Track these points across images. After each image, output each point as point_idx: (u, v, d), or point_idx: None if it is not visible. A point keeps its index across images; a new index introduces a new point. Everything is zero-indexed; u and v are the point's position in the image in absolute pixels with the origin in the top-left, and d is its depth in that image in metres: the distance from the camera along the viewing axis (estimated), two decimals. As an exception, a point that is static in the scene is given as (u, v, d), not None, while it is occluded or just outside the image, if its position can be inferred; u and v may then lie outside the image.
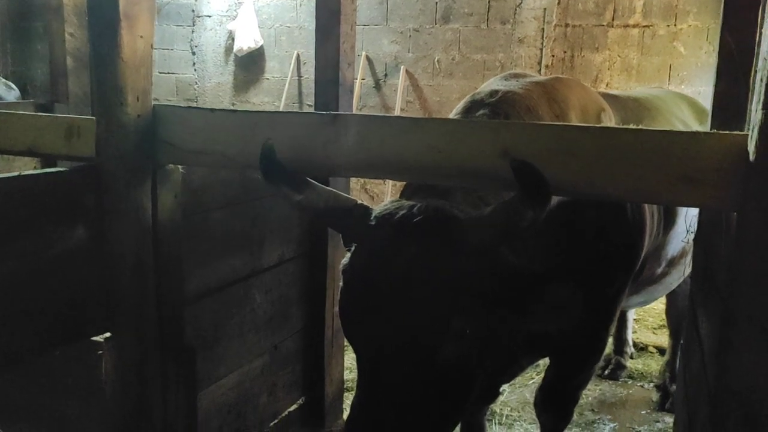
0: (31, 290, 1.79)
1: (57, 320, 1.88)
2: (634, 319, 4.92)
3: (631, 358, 4.45)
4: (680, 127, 3.02)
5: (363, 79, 7.19)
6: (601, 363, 4.34)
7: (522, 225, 1.50)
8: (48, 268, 1.83)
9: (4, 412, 2.56)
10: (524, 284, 1.61)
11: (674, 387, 3.81)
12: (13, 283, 1.74)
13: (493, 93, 2.15)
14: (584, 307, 1.93)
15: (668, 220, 2.76)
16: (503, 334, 1.76)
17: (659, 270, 2.94)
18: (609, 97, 2.87)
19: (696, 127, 3.26)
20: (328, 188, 1.74)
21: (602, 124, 2.34)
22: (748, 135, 1.39)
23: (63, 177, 1.88)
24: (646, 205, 2.41)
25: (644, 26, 6.13)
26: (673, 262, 3.01)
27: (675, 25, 6.05)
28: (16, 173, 1.75)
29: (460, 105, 2.23)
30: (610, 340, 4.58)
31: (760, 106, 1.30)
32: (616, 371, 4.26)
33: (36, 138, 2.24)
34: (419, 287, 1.50)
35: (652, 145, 1.49)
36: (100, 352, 2.03)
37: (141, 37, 1.90)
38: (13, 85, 5.07)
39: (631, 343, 4.46)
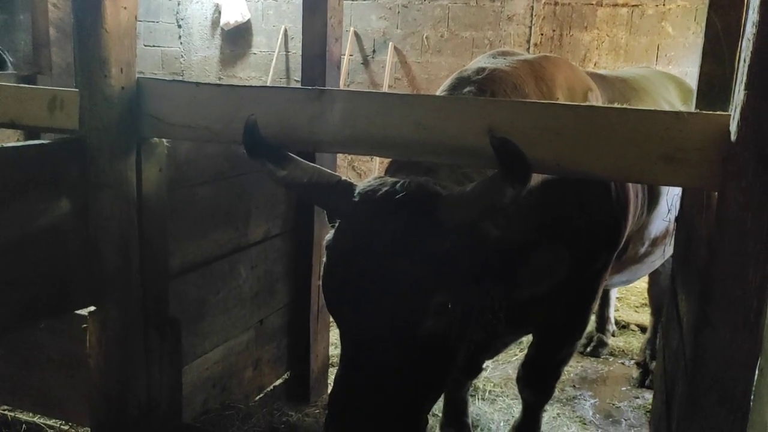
0: (15, 263, 1.78)
1: (41, 293, 1.88)
2: (617, 298, 4.98)
3: (613, 335, 4.50)
4: (666, 108, 3.02)
5: (351, 55, 7.14)
6: (583, 340, 4.39)
7: (503, 202, 1.52)
8: (32, 241, 1.82)
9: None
10: (508, 256, 1.64)
11: (654, 364, 3.87)
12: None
13: (480, 70, 2.15)
14: (568, 281, 1.98)
15: (652, 200, 2.78)
16: (487, 307, 1.77)
17: (642, 249, 2.97)
18: (596, 77, 2.87)
19: (681, 107, 3.27)
20: (312, 164, 1.74)
21: (588, 103, 2.35)
22: (730, 115, 1.40)
23: (46, 149, 1.87)
24: (630, 184, 2.43)
25: (633, 6, 6.12)
26: (656, 242, 3.04)
27: (664, 5, 6.05)
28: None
29: (447, 82, 2.23)
30: (593, 317, 4.64)
31: (742, 87, 1.31)
32: (597, 348, 4.31)
33: (18, 110, 2.21)
34: (401, 263, 1.52)
35: (635, 125, 1.50)
36: (85, 325, 2.03)
37: (125, 8, 1.87)
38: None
39: (613, 321, 4.52)
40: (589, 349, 4.31)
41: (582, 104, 1.60)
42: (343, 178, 1.71)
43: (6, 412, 2.59)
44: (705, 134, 1.44)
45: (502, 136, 1.49)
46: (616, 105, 1.54)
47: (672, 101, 3.25)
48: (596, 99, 2.47)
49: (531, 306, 2.13)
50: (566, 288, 2.14)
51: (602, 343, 4.36)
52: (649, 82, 3.29)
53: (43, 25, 3.72)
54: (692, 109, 2.31)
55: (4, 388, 2.48)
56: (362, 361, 1.56)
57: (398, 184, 1.60)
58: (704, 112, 1.46)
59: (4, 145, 1.77)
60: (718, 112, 1.46)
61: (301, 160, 1.74)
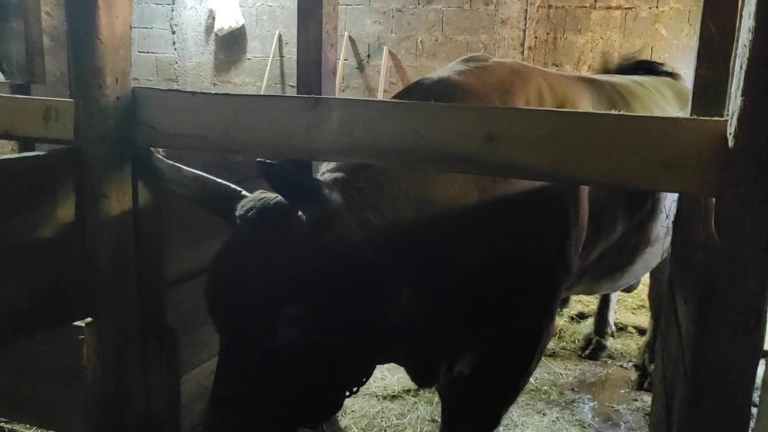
0: (11, 274, 1.77)
1: (38, 305, 1.87)
2: (614, 300, 4.99)
3: (612, 337, 4.49)
4: (659, 114, 3.01)
5: (346, 60, 7.15)
6: (581, 343, 4.40)
7: (302, 228, 1.60)
8: (28, 253, 1.81)
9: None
10: (372, 276, 1.70)
11: (653, 367, 3.87)
12: (-7, 268, 1.72)
13: (438, 81, 2.19)
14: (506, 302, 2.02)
15: (653, 204, 2.76)
16: (369, 321, 1.75)
17: (640, 253, 2.94)
18: (585, 81, 2.82)
19: (677, 113, 3.26)
20: (212, 178, 1.84)
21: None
22: (727, 121, 1.41)
23: (42, 160, 1.86)
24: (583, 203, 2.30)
25: (626, 8, 6.15)
26: (653, 243, 3.01)
27: (657, 7, 6.07)
28: (-7, 157, 1.72)
29: (410, 86, 2.28)
30: (591, 320, 4.65)
31: (739, 93, 1.31)
32: (596, 352, 4.29)
33: (13, 120, 2.20)
34: (250, 276, 1.60)
35: (633, 131, 1.50)
36: (82, 336, 2.02)
37: (119, 17, 1.87)
38: None
39: (612, 324, 4.50)
40: (587, 352, 4.30)
41: (579, 111, 1.60)
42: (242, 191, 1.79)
43: (3, 424, 2.58)
44: (702, 140, 1.44)
45: (267, 163, 1.51)
46: (613, 112, 1.54)
47: (666, 108, 3.20)
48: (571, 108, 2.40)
49: (466, 322, 2.11)
50: (509, 306, 2.14)
51: (601, 346, 4.33)
52: (643, 87, 3.25)
53: (37, 34, 3.70)
54: (688, 113, 2.31)
55: (0, 400, 2.46)
56: (227, 367, 1.67)
57: (260, 200, 1.70)
58: (701, 118, 1.46)
59: (1, 156, 1.76)
60: (715, 118, 1.46)
61: (201, 174, 1.84)
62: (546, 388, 3.84)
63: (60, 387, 2.31)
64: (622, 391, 3.89)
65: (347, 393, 1.92)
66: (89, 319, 2.02)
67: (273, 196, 1.70)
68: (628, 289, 4.37)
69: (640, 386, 3.91)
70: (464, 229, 2.02)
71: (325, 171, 1.99)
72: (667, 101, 3.30)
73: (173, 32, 7.90)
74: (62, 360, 2.18)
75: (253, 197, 1.74)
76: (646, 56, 6.15)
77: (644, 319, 4.74)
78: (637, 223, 2.72)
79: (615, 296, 4.51)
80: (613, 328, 4.52)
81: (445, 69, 2.37)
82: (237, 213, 1.71)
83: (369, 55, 7.17)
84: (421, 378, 2.46)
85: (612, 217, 2.53)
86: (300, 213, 1.62)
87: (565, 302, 4.24)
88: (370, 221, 1.80)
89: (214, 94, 1.91)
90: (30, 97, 2.38)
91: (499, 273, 2.08)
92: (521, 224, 2.12)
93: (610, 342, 4.47)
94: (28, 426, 2.62)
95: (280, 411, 1.68)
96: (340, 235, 1.67)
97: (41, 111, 2.10)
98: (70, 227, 1.93)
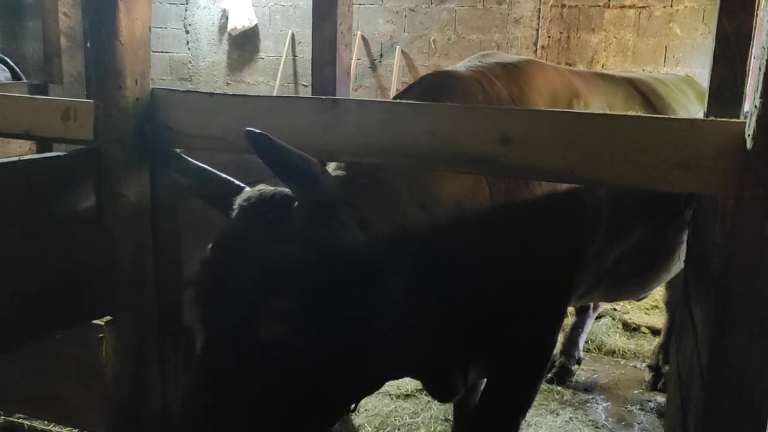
0: (34, 274, 1.80)
1: (59, 304, 1.89)
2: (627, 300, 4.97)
3: (578, 363, 4.04)
4: (682, 114, 2.97)
5: (358, 60, 7.16)
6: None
7: (298, 222, 1.58)
8: (49, 252, 1.83)
9: (4, 396, 2.58)
10: (369, 278, 1.66)
11: (666, 368, 3.85)
12: (15, 268, 1.75)
13: (441, 75, 2.18)
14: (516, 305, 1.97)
15: (668, 209, 2.70)
16: (363, 322, 1.69)
17: (661, 258, 2.89)
18: (599, 78, 2.75)
19: (699, 112, 3.20)
20: (219, 174, 1.83)
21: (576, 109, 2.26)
22: (745, 123, 1.40)
23: (63, 161, 1.88)
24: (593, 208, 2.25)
25: (640, 7, 6.12)
26: (674, 248, 2.93)
27: (671, 6, 6.04)
28: (15, 158, 1.75)
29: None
30: (604, 320, 4.63)
31: (758, 95, 1.31)
32: (561, 375, 3.90)
33: (33, 121, 2.23)
34: (239, 268, 1.57)
35: (650, 133, 1.50)
36: (101, 335, 2.04)
37: (139, 19, 1.89)
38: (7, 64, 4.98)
39: (581, 349, 4.09)
40: (549, 376, 3.84)
41: (596, 112, 1.60)
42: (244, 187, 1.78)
43: (22, 421, 2.62)
44: (720, 142, 1.44)
45: (257, 133, 1.50)
46: (630, 113, 1.54)
47: (688, 107, 3.12)
48: (584, 106, 2.34)
49: (474, 330, 2.05)
50: (517, 311, 2.08)
51: (565, 370, 3.93)
52: (665, 85, 3.18)
53: (54, 34, 3.74)
54: (705, 114, 2.31)
55: (20, 397, 2.50)
56: (207, 365, 1.61)
57: (259, 193, 1.68)
58: (719, 119, 1.46)
59: (23, 157, 1.78)
60: (732, 120, 1.46)
61: (207, 168, 1.82)
62: (559, 388, 3.83)
63: (78, 385, 2.34)
64: (636, 391, 3.88)
65: (347, 406, 1.84)
66: (108, 318, 2.05)
67: (272, 189, 1.69)
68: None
69: (653, 387, 3.89)
70: (474, 229, 1.97)
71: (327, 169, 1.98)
72: (689, 100, 3.23)
73: (187, 32, 7.94)
74: (81, 358, 2.21)
75: (252, 190, 1.72)
76: (660, 55, 6.13)
77: (657, 320, 4.73)
78: (656, 227, 2.69)
79: (590, 320, 4.17)
80: (581, 354, 4.07)
81: (464, 65, 2.36)
82: (235, 204, 1.69)
83: (381, 55, 7.18)
84: (439, 391, 2.37)
85: (630, 220, 2.49)
86: (295, 203, 1.58)
87: (594, 309, 4.18)
88: (372, 220, 1.75)
89: (232, 95, 1.93)
90: (50, 97, 2.41)
91: (510, 275, 2.02)
92: (535, 225, 2.08)
93: (623, 342, 4.44)
94: (46, 423, 2.65)
95: (261, 416, 1.59)
96: (338, 231, 1.63)
97: (61, 111, 2.13)
98: (89, 227, 1.95)
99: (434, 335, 1.96)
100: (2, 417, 2.72)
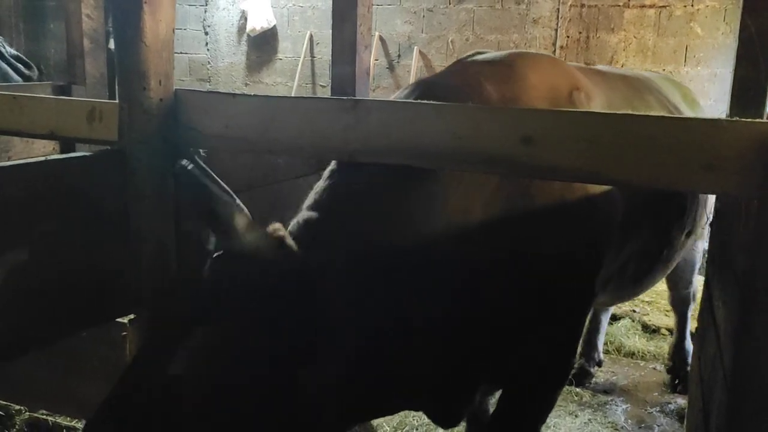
0: (59, 273, 1.83)
1: (83, 303, 1.92)
2: (647, 302, 4.94)
3: (599, 366, 4.06)
4: (673, 112, 2.91)
5: (376, 60, 7.17)
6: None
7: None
8: (75, 252, 1.86)
9: (29, 393, 2.62)
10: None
11: (685, 369, 3.82)
12: (41, 267, 1.78)
13: (426, 86, 2.08)
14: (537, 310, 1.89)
15: (673, 211, 2.65)
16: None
17: (661, 260, 2.83)
18: (594, 73, 2.67)
19: (687, 111, 3.11)
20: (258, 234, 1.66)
21: (581, 108, 2.18)
22: (770, 123, 1.40)
23: (89, 161, 1.91)
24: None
25: (661, 6, 6.07)
26: (675, 250, 2.89)
27: (692, 5, 5.98)
28: (42, 158, 1.78)
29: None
30: (623, 322, 4.60)
31: (783, 95, 1.30)
32: (580, 378, 3.88)
33: (58, 121, 2.27)
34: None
35: (673, 133, 1.49)
36: (125, 333, 2.07)
37: (163, 21, 1.91)
38: (25, 66, 5.04)
39: (601, 350, 4.09)
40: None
41: (618, 113, 1.59)
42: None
43: (47, 417, 2.66)
44: (744, 142, 1.43)
45: (184, 167, 1.51)
46: (653, 113, 1.53)
47: (678, 107, 3.04)
48: (586, 99, 2.26)
49: (485, 343, 1.96)
50: (535, 319, 1.99)
51: (584, 372, 3.91)
52: (652, 82, 3.09)
53: (77, 36, 3.80)
54: (698, 114, 2.28)
55: (45, 394, 2.54)
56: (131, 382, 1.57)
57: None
58: (744, 120, 1.45)
59: (49, 157, 1.81)
60: (757, 120, 1.45)
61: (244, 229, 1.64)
62: (578, 389, 3.82)
63: (102, 382, 2.36)
64: (656, 393, 3.85)
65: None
66: (132, 316, 2.07)
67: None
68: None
69: (673, 389, 3.86)
70: (477, 238, 1.89)
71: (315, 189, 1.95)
72: (677, 99, 3.13)
73: (206, 33, 8.00)
74: (105, 355, 2.24)
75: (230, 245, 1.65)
76: (680, 55, 6.08)
77: (678, 321, 4.69)
78: (660, 229, 2.63)
79: (606, 319, 4.15)
80: (601, 356, 4.08)
81: (452, 67, 2.30)
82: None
83: (399, 55, 7.19)
84: (442, 419, 2.20)
85: (640, 221, 2.41)
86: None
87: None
88: (336, 243, 1.72)
89: (254, 95, 1.94)
90: (75, 98, 2.45)
91: (522, 284, 1.94)
92: (549, 228, 2.00)
93: (643, 344, 4.41)
94: (69, 419, 2.69)
95: None
96: (276, 258, 1.56)
97: (86, 112, 2.16)
98: (114, 226, 1.97)
99: (429, 360, 1.86)
100: (27, 413, 2.77)
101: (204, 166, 1.60)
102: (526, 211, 1.98)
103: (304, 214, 1.87)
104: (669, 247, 2.76)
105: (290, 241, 1.64)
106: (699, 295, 3.05)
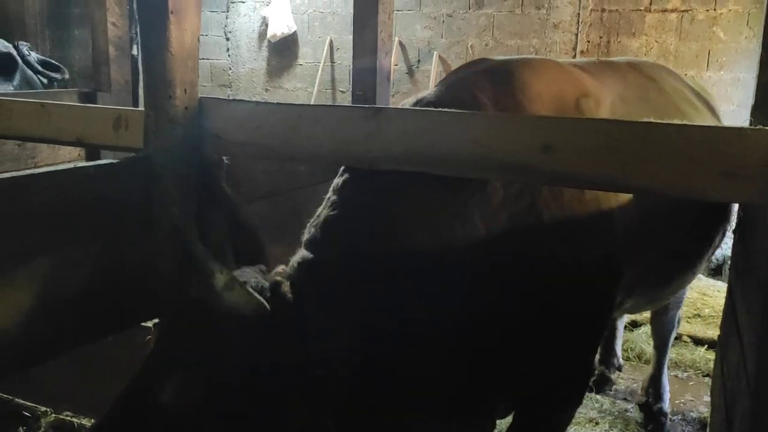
0: (86, 279, 1.86)
1: (110, 307, 1.95)
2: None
3: (619, 370, 4.01)
4: (688, 97, 2.80)
5: (396, 65, 7.19)
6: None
7: None
8: (101, 258, 1.90)
9: (55, 396, 2.67)
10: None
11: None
12: (69, 272, 1.81)
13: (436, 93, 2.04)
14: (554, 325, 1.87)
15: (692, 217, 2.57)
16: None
17: (683, 266, 2.79)
18: (603, 68, 2.56)
19: (697, 102, 2.93)
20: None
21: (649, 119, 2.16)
22: (794, 131, 1.39)
23: (115, 168, 1.94)
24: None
25: (683, 11, 6.02)
26: (697, 257, 2.82)
27: (714, 9, 5.93)
28: (71, 165, 1.82)
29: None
30: (644, 329, 4.55)
31: (808, 104, 1.30)
32: (599, 384, 3.82)
33: (85, 129, 2.31)
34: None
35: (695, 141, 1.49)
36: (149, 337, 2.11)
37: (188, 30, 1.94)
38: (54, 70, 5.11)
39: (620, 355, 4.05)
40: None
41: (639, 121, 1.59)
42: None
43: (72, 419, 2.70)
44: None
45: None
46: (676, 122, 1.53)
47: (685, 92, 2.87)
48: (594, 104, 2.18)
49: (497, 359, 1.93)
50: (552, 333, 1.94)
51: (604, 379, 3.86)
52: (660, 68, 2.95)
53: (103, 44, 3.87)
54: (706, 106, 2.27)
55: (69, 396, 2.58)
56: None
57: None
58: (766, 129, 1.44)
59: (77, 165, 1.85)
60: (781, 128, 1.44)
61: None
62: (598, 396, 3.79)
63: (125, 384, 2.40)
64: (677, 401, 3.82)
65: None
66: (156, 321, 2.11)
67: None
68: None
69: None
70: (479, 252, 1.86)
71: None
72: (679, 84, 2.96)
73: (227, 39, 8.08)
74: (129, 359, 2.28)
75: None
76: (703, 60, 6.03)
77: (699, 329, 4.65)
78: (681, 236, 2.56)
79: (622, 324, 4.05)
80: (621, 361, 4.03)
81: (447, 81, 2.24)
82: None
83: (419, 60, 7.20)
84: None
85: (658, 228, 2.34)
86: None
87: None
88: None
89: (277, 103, 1.97)
90: (101, 106, 2.49)
91: (535, 297, 1.90)
92: (564, 235, 1.95)
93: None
94: (92, 421, 2.73)
95: None
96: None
97: (112, 120, 2.20)
98: (138, 233, 2.01)
99: (440, 381, 1.86)
100: (52, 415, 2.82)
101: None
102: (540, 220, 1.94)
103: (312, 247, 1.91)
104: (687, 253, 2.71)
105: (285, 288, 1.76)
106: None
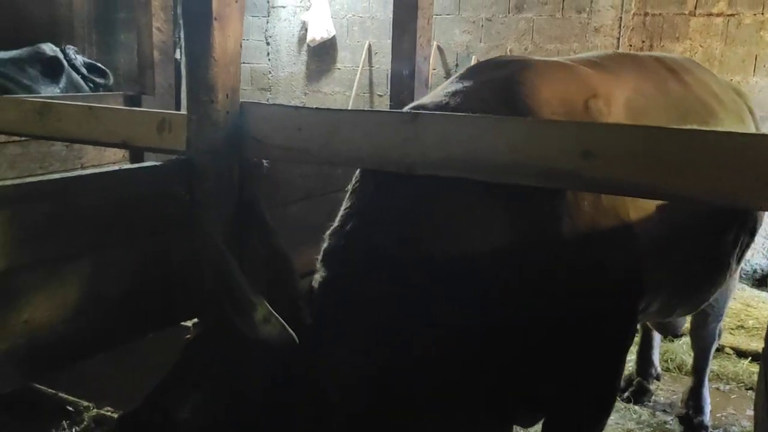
0: (129, 278, 1.91)
1: (150, 306, 2.00)
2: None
3: (657, 380, 3.94)
4: (709, 97, 2.64)
5: (434, 69, 7.19)
6: (621, 384, 3.59)
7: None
8: (144, 257, 1.95)
9: (96, 391, 2.74)
10: None
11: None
12: (113, 271, 1.87)
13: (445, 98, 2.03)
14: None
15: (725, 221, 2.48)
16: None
17: (712, 270, 2.69)
18: (628, 59, 2.51)
19: (724, 96, 2.78)
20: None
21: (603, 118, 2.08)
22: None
23: (158, 170, 2.00)
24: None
25: (729, 15, 5.89)
26: (727, 261, 2.70)
27: (762, 13, 5.79)
28: (117, 167, 1.87)
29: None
30: (685, 339, 4.45)
31: None
32: (637, 395, 3.76)
33: (130, 131, 2.37)
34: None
35: (735, 149, 1.47)
36: (188, 336, 2.15)
37: (231, 37, 1.99)
38: (99, 74, 5.24)
39: (657, 365, 3.96)
40: (626, 395, 3.75)
41: (680, 128, 1.58)
42: None
43: (112, 414, 2.77)
44: (813, 159, 1.40)
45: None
46: (717, 129, 1.51)
47: (711, 85, 2.76)
48: (604, 105, 2.12)
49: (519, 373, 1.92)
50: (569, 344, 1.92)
51: (643, 389, 3.80)
52: (681, 62, 2.83)
53: (148, 48, 3.97)
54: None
55: (111, 392, 2.65)
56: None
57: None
58: (812, 136, 1.41)
59: (123, 167, 1.91)
60: (827, 137, 1.41)
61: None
62: (636, 407, 3.73)
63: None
64: (719, 414, 3.73)
65: None
66: (195, 320, 2.15)
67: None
68: (674, 333, 4.03)
69: None
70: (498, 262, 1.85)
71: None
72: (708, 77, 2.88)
73: (267, 43, 8.19)
74: (169, 357, 2.33)
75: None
76: (749, 65, 5.89)
77: (742, 340, 4.54)
78: (711, 236, 2.48)
79: (658, 335, 3.95)
80: (659, 369, 3.95)
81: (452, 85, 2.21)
82: None
83: (457, 65, 7.19)
84: None
85: (684, 227, 2.28)
86: None
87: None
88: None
89: (316, 108, 2.00)
90: (146, 109, 2.55)
91: (560, 306, 1.88)
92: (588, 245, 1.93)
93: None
94: (133, 417, 2.80)
95: None
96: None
97: (156, 123, 2.26)
98: (180, 233, 2.05)
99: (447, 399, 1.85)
100: (94, 410, 2.89)
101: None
102: (565, 228, 1.92)
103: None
104: (719, 258, 2.62)
105: (305, 313, 1.79)
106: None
